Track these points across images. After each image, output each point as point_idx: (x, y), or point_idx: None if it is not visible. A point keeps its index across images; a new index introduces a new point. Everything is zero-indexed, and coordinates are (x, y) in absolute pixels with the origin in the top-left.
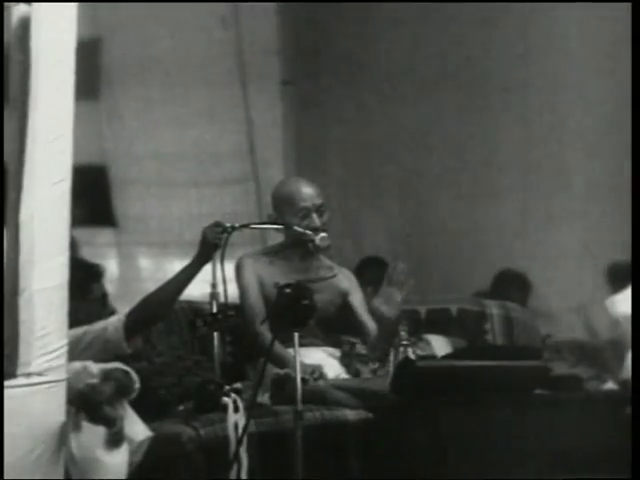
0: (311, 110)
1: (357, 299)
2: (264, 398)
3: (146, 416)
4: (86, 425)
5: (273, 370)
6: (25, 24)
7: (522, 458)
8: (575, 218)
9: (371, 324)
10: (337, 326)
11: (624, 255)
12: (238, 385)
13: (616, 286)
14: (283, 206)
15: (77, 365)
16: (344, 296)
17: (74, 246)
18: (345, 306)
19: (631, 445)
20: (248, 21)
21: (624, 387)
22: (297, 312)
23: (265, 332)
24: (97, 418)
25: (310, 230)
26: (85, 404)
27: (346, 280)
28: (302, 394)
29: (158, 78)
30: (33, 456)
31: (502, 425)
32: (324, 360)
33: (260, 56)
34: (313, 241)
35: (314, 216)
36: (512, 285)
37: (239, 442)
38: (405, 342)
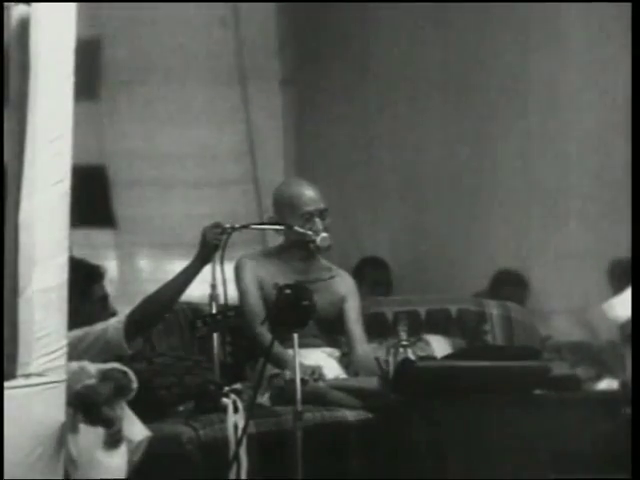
0: (311, 110)
1: (352, 307)
2: (264, 399)
3: (146, 417)
4: (84, 426)
5: (272, 371)
6: (25, 24)
7: (522, 458)
8: (575, 218)
9: (358, 335)
10: (336, 327)
11: (624, 255)
12: (238, 386)
13: (618, 284)
14: (285, 209)
15: (74, 366)
16: (341, 301)
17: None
18: (341, 311)
19: (631, 445)
20: (248, 21)
21: (624, 387)
22: (297, 313)
23: (265, 333)
24: (95, 419)
25: (312, 232)
26: (83, 405)
27: (344, 285)
28: (302, 395)
29: (158, 78)
30: (33, 457)
31: (502, 425)
32: (323, 361)
33: (260, 56)
34: (314, 241)
35: (317, 220)
36: (509, 285)
37: (239, 443)
38: (405, 343)
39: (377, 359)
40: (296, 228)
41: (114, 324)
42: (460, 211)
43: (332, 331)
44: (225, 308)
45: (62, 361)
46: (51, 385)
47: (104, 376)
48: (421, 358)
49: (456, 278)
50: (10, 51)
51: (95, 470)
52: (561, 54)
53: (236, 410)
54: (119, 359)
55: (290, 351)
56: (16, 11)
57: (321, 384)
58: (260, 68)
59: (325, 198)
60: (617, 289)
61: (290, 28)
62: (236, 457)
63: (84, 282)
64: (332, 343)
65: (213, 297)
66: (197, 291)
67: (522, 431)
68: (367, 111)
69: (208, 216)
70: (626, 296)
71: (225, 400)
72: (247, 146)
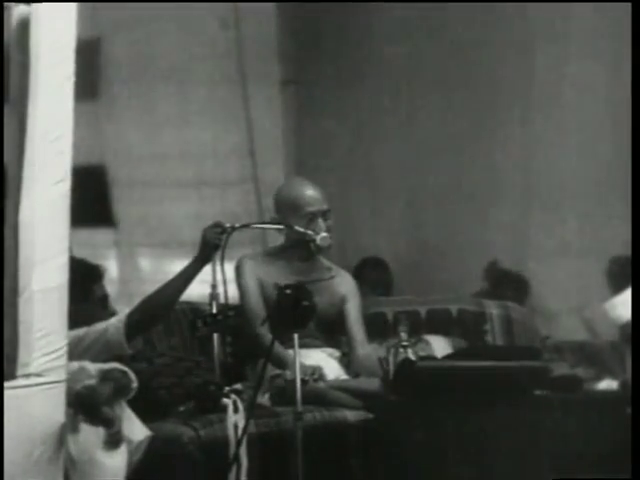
0: (311, 110)
1: (352, 307)
2: (264, 399)
3: (146, 416)
4: (84, 426)
5: (273, 371)
6: (25, 24)
7: (522, 458)
8: (575, 218)
9: (359, 336)
10: (336, 327)
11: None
12: (238, 386)
13: (616, 282)
14: (288, 209)
15: (75, 365)
16: (342, 301)
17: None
18: (341, 312)
19: (631, 445)
20: (248, 21)
21: (624, 387)
22: (297, 313)
23: (265, 333)
24: (96, 419)
25: (312, 232)
26: (83, 405)
27: (345, 285)
28: (302, 395)
29: (158, 78)
30: (33, 457)
31: (502, 425)
32: (324, 361)
33: (260, 56)
34: (314, 241)
35: (319, 221)
36: (509, 285)
37: (239, 443)
38: (405, 343)
39: (380, 359)
40: (296, 228)
41: (114, 324)
42: (460, 211)
43: (332, 331)
44: (225, 308)
45: (62, 361)
46: (51, 385)
47: (104, 376)
48: (421, 358)
49: (456, 278)
50: (10, 51)
51: (95, 470)
52: (562, 54)
53: (236, 410)
54: (119, 359)
55: (290, 351)
56: (16, 11)
57: (321, 384)
58: (260, 68)
59: (326, 198)
60: (615, 287)
61: (290, 28)
62: (236, 457)
63: (84, 282)
64: (332, 343)
65: (213, 297)
66: (197, 291)
67: (522, 431)
68: (367, 111)
69: (208, 216)
70: (627, 296)
71: (225, 400)
72: (247, 146)
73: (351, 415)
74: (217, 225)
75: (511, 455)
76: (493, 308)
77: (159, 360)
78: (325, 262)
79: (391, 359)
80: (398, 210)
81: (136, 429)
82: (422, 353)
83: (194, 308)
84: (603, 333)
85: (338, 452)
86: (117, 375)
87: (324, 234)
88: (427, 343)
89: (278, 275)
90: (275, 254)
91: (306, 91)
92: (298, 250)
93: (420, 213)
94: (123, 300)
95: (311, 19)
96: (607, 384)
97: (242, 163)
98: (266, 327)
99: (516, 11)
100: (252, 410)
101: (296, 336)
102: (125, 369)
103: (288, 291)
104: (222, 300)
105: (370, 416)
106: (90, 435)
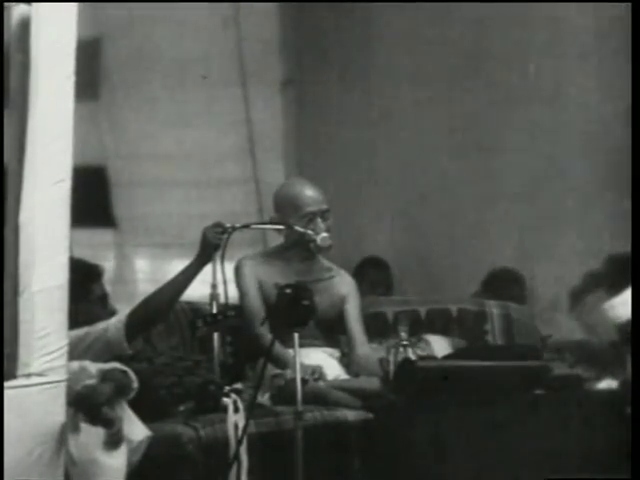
0: (311, 110)
1: (352, 307)
2: (264, 398)
3: (146, 416)
4: (85, 426)
5: (274, 371)
6: (25, 24)
7: (522, 458)
8: (575, 219)
9: (359, 336)
10: (336, 327)
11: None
12: (238, 385)
13: (610, 280)
14: (287, 209)
15: (75, 365)
16: (342, 301)
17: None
18: (341, 312)
19: (631, 445)
20: (248, 21)
21: (624, 387)
22: (297, 313)
23: (265, 333)
24: (96, 419)
25: (312, 232)
26: (84, 405)
27: (345, 285)
28: (302, 395)
29: (158, 78)
30: (33, 457)
31: (502, 425)
32: (324, 361)
33: (260, 56)
34: (314, 241)
35: (319, 221)
36: (506, 283)
37: (239, 442)
38: (405, 342)
39: (380, 359)
40: (296, 228)
41: (115, 324)
42: (461, 211)
43: (332, 331)
44: (225, 308)
45: (62, 361)
46: (51, 385)
47: (105, 376)
48: (421, 358)
49: (456, 278)
50: (10, 51)
51: (95, 470)
52: (563, 54)
53: (236, 410)
54: (119, 359)
55: (290, 351)
56: (16, 11)
57: (321, 384)
58: (260, 68)
59: (326, 198)
60: (608, 285)
61: (290, 28)
62: (236, 457)
63: (83, 281)
64: (332, 343)
65: (213, 297)
66: (197, 291)
67: (522, 431)
68: (368, 111)
69: (208, 216)
70: (626, 296)
71: (225, 400)
72: (247, 146)
73: (351, 415)
74: (217, 225)
75: (511, 454)
76: (493, 308)
77: (159, 360)
78: (325, 262)
79: (391, 359)
80: (398, 210)
81: (136, 429)
82: (422, 353)
83: (194, 308)
84: (603, 333)
85: (338, 452)
86: (117, 375)
87: (324, 234)
88: (427, 343)
89: (278, 275)
90: (275, 254)
91: (306, 91)
92: (298, 250)
93: (421, 213)
94: (122, 300)
95: (311, 19)
96: (607, 384)
97: (242, 163)
98: (266, 327)
99: (518, 10)
100: (252, 410)
101: (296, 336)
102: (125, 369)
103: (288, 290)
104: (222, 300)
105: (370, 416)
106: (90, 435)
